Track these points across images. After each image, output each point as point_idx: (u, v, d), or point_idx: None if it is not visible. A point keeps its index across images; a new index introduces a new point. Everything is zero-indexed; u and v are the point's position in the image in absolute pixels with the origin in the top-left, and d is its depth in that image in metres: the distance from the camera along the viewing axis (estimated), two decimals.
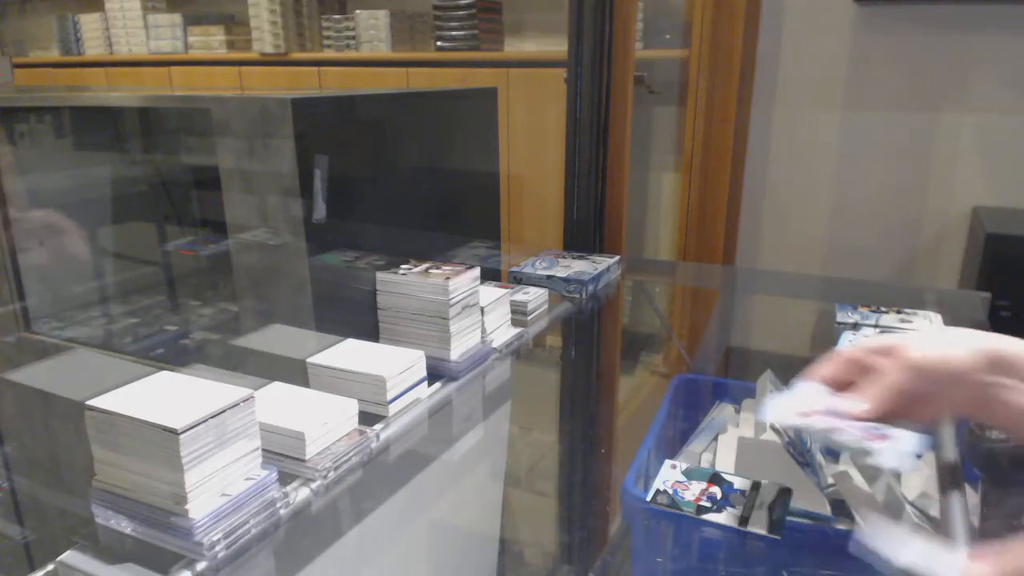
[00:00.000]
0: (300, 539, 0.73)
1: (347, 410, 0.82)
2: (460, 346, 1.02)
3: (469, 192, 1.39)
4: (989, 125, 2.31)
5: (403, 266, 1.05)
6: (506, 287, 1.18)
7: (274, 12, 3.35)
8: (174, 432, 0.62)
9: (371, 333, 1.05)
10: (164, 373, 0.72)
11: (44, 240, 1.28)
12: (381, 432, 0.86)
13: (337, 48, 3.36)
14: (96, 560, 0.64)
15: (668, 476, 0.78)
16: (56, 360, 1.27)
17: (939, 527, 0.55)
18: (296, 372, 0.92)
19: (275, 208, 0.95)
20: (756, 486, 0.76)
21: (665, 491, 0.75)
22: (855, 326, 1.19)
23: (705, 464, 0.95)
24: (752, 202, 2.69)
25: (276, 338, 1.01)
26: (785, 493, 0.74)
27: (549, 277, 1.39)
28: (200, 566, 0.63)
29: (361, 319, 1.04)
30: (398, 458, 0.87)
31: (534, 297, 1.26)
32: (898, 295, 1.64)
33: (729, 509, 0.72)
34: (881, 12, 2.37)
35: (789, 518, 0.71)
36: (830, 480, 0.93)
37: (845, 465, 0.96)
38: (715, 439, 1.00)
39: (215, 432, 0.65)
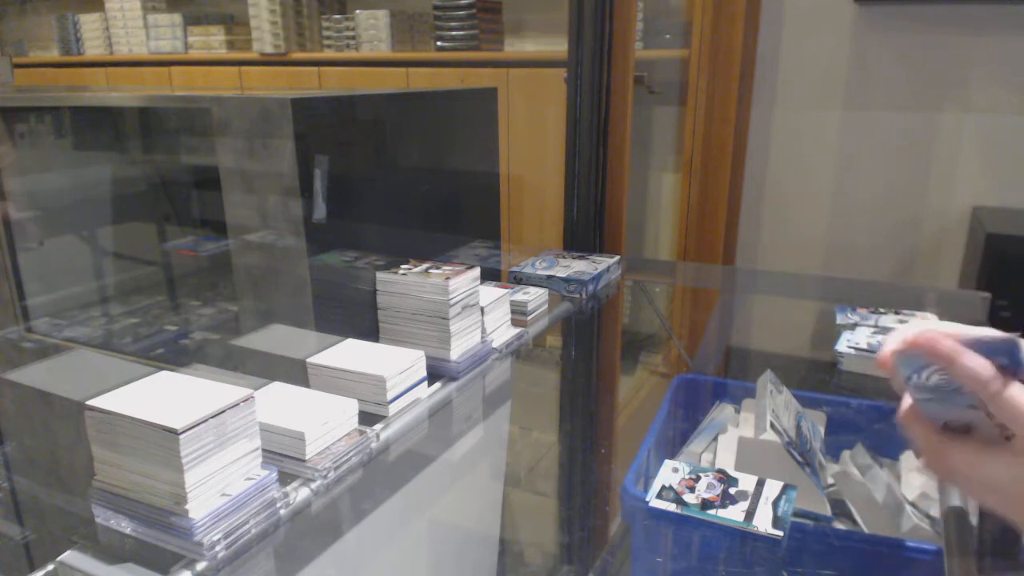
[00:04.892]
0: (300, 539, 0.73)
1: (347, 410, 0.82)
2: (460, 346, 1.02)
3: (469, 192, 1.39)
4: (989, 125, 2.31)
5: (403, 266, 1.05)
6: (506, 287, 1.18)
7: (274, 12, 3.35)
8: (174, 432, 0.62)
9: (371, 333, 1.05)
10: (164, 373, 0.72)
11: None
12: (381, 432, 0.86)
13: (337, 48, 3.35)
14: (96, 560, 0.64)
15: (669, 477, 0.78)
16: (56, 360, 1.27)
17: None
18: (296, 372, 0.92)
19: (275, 208, 0.95)
20: (760, 482, 0.76)
21: (670, 487, 0.75)
22: (854, 327, 1.20)
23: (705, 464, 0.95)
24: (752, 202, 2.69)
25: (276, 338, 1.01)
26: (788, 489, 0.74)
27: (549, 277, 1.39)
28: (200, 566, 0.63)
29: (361, 319, 1.04)
30: (398, 458, 0.87)
31: (534, 297, 1.26)
32: (898, 295, 1.64)
33: (732, 506, 0.72)
34: (881, 12, 2.37)
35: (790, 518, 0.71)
36: (830, 480, 0.93)
37: (845, 465, 0.96)
38: (715, 439, 1.00)
39: (215, 432, 0.65)
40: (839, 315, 1.25)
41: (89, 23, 4.02)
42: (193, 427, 0.63)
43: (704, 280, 1.89)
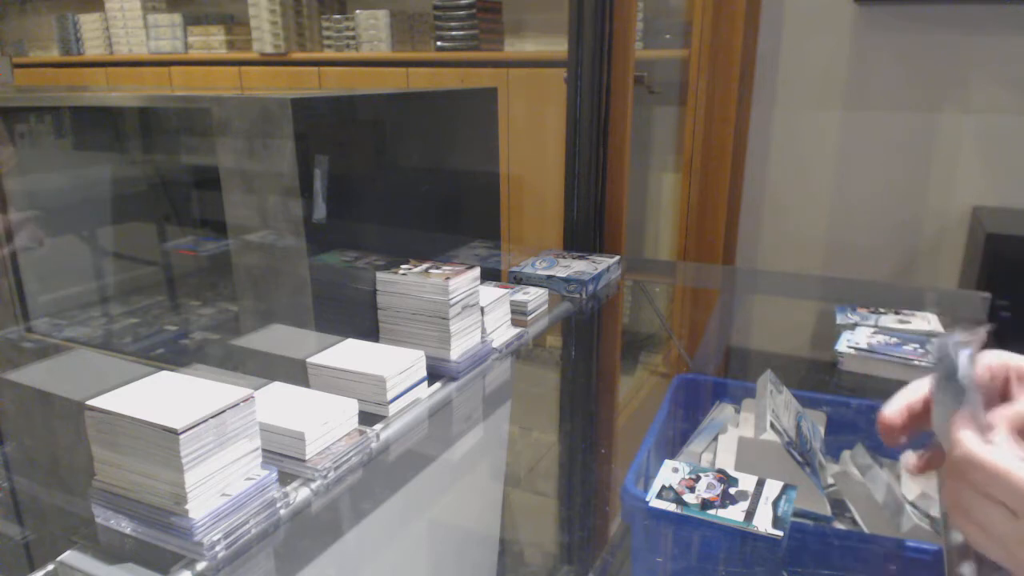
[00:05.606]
0: (300, 539, 0.73)
1: (347, 410, 0.82)
2: (460, 346, 1.02)
3: (469, 192, 1.39)
4: (989, 125, 2.31)
5: (403, 266, 1.05)
6: (506, 287, 1.18)
7: (274, 12, 3.35)
8: (174, 432, 0.62)
9: (371, 333, 1.05)
10: (164, 373, 0.72)
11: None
12: (381, 432, 0.86)
13: (337, 48, 3.35)
14: (96, 560, 0.64)
15: (669, 477, 0.78)
16: (56, 360, 1.27)
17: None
18: (296, 372, 0.92)
19: (275, 208, 0.95)
20: (760, 482, 0.76)
21: (670, 487, 0.75)
22: (854, 327, 1.20)
23: (705, 464, 0.95)
24: (752, 202, 2.69)
25: (276, 338, 1.01)
26: (788, 489, 0.74)
27: (549, 277, 1.39)
28: (200, 566, 0.63)
29: (361, 319, 1.04)
30: (398, 458, 0.87)
31: (534, 297, 1.26)
32: (898, 295, 1.64)
33: (732, 506, 0.72)
34: (881, 12, 2.37)
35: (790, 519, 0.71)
36: (830, 480, 0.93)
37: (845, 465, 0.96)
38: (715, 439, 1.00)
39: (215, 432, 0.65)
40: (839, 315, 1.25)
41: (89, 23, 4.02)
42: (193, 427, 0.63)
43: (704, 280, 1.89)
